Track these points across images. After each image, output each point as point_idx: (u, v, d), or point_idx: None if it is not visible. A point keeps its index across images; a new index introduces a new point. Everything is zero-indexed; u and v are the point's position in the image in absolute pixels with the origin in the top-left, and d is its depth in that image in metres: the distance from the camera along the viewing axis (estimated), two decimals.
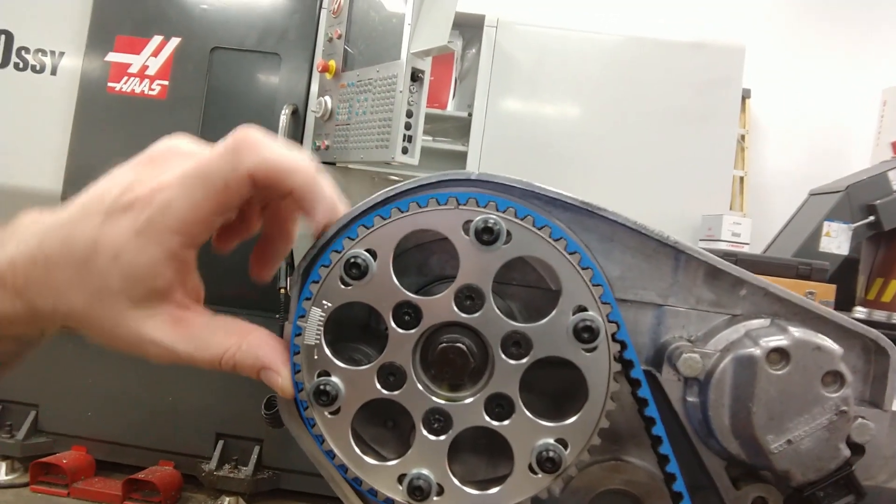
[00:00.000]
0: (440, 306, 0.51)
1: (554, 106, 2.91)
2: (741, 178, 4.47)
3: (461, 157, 2.77)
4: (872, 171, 3.34)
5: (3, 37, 2.74)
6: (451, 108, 2.94)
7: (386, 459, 0.53)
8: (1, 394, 2.76)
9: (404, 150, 2.42)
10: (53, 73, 2.79)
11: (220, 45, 2.76)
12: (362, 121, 2.55)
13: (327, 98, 2.63)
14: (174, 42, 2.79)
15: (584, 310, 0.50)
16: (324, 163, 2.70)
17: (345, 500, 0.55)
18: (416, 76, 2.42)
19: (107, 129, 2.78)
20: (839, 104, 4.64)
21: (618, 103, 2.95)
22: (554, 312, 0.51)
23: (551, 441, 0.51)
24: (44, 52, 2.77)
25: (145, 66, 2.77)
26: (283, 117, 2.67)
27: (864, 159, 4.25)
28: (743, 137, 4.48)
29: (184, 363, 0.56)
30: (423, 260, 0.59)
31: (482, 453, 0.61)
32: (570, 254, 0.50)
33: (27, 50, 2.77)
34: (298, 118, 2.74)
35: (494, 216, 0.50)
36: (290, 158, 0.55)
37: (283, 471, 3.02)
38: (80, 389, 2.86)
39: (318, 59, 2.70)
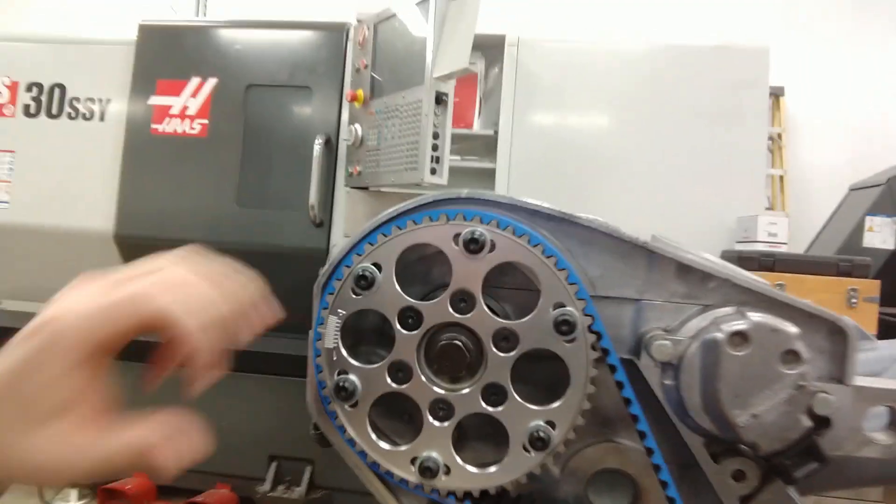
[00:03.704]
0: (438, 309, 0.59)
1: (580, 118, 2.98)
2: (780, 177, 4.43)
3: (489, 174, 2.86)
4: None
5: (57, 90, 2.94)
6: (477, 127, 3.04)
7: (401, 447, 0.61)
8: None
9: (433, 171, 2.52)
10: (102, 119, 2.98)
11: (255, 83, 2.92)
12: (391, 145, 2.66)
13: (357, 126, 2.76)
14: (211, 82, 2.95)
15: (563, 306, 0.58)
16: (356, 188, 2.82)
17: (368, 483, 0.64)
18: (440, 99, 2.53)
19: (153, 169, 2.96)
20: (876, 97, 4.57)
21: (645, 111, 3.00)
22: (536, 309, 0.59)
23: (541, 423, 0.58)
24: (93, 101, 2.97)
25: (185, 106, 2.94)
26: (317, 147, 2.80)
27: None
28: (779, 136, 4.45)
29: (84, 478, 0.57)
30: (427, 270, 0.68)
31: (489, 441, 0.69)
32: (547, 257, 0.58)
33: (78, 100, 2.98)
34: (331, 147, 2.87)
35: (480, 228, 0.58)
36: (180, 317, 0.56)
37: (335, 490, 3.12)
38: (141, 412, 3.01)
39: (347, 90, 2.83)
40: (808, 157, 4.64)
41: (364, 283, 0.60)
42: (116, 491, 2.77)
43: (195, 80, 2.87)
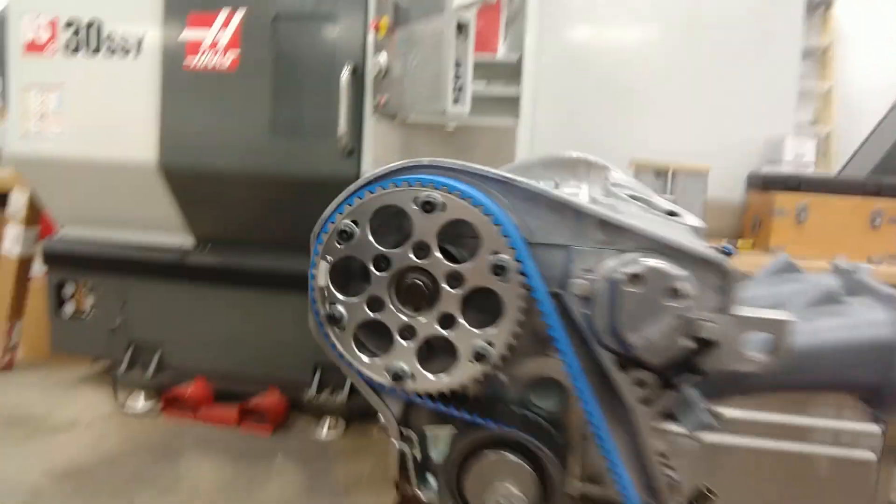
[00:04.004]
0: (403, 256, 0.78)
1: (607, 40, 3.01)
2: (827, 91, 4.36)
3: (514, 101, 2.95)
4: None
5: (94, 26, 3.13)
6: (502, 53, 3.11)
7: (377, 359, 0.82)
8: (134, 337, 3.29)
9: (455, 101, 2.65)
10: (138, 53, 3.14)
11: (281, 13, 3.03)
12: (414, 75, 2.78)
13: (382, 55, 2.87)
14: (241, 13, 3.06)
15: (497, 253, 0.75)
16: (384, 118, 2.96)
17: (359, 386, 0.85)
18: (461, 28, 2.62)
19: (190, 101, 3.14)
20: None
21: (675, 28, 3.01)
22: (477, 256, 0.77)
23: (483, 343, 0.77)
24: (128, 36, 3.14)
25: (216, 40, 3.08)
26: (344, 76, 2.93)
27: None
28: (827, 49, 4.34)
29: None
30: (400, 223, 0.87)
31: (449, 356, 0.88)
32: (486, 215, 0.75)
33: (114, 36, 3.15)
34: (358, 76, 3.00)
35: (434, 193, 0.76)
36: None
37: None
38: (197, 329, 3.32)
39: (371, 18, 2.91)
40: (857, 71, 4.53)
41: (345, 235, 0.79)
42: (178, 395, 3.14)
43: (225, 11, 2.99)
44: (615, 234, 0.71)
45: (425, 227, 0.70)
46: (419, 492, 0.69)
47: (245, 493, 2.59)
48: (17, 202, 3.49)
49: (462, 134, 3.11)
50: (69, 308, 3.31)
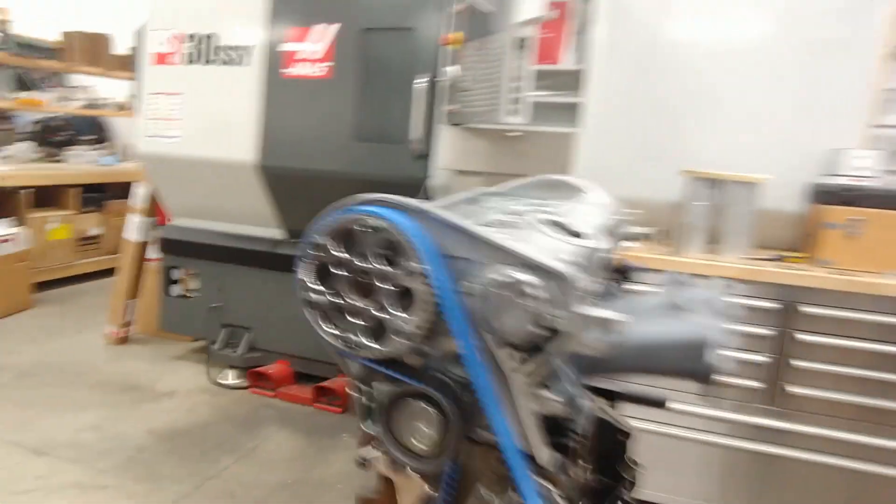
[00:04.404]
0: (352, 261, 1.01)
1: (675, 45, 3.07)
2: None
3: (576, 109, 3.09)
4: None
5: (210, 38, 3.61)
6: (568, 62, 3.28)
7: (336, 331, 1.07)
8: (227, 321, 3.75)
9: (512, 112, 2.86)
10: (244, 63, 3.59)
11: (370, 26, 3.35)
12: (480, 86, 3.02)
13: (453, 67, 3.13)
14: (335, 27, 3.43)
15: (411, 262, 0.97)
16: (453, 125, 3.21)
17: (329, 351, 1.09)
18: (521, 43, 2.82)
19: (287, 108, 3.55)
20: None
21: (744, 38, 3.06)
22: (399, 264, 0.99)
23: (402, 323, 0.98)
24: (238, 48, 3.59)
25: (313, 50, 3.46)
26: (419, 86, 3.20)
27: None
28: None
29: None
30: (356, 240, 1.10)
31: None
32: (405, 236, 0.97)
33: (225, 47, 3.62)
34: (432, 86, 3.25)
35: (372, 220, 0.98)
36: None
37: None
38: (283, 315, 3.73)
39: (446, 33, 3.17)
40: None
41: (318, 246, 1.03)
42: (263, 373, 3.57)
43: (321, 26, 3.37)
44: (494, 251, 0.89)
45: (368, 243, 0.93)
46: (364, 427, 0.93)
47: (313, 463, 2.96)
48: (140, 194, 4.07)
49: (524, 140, 3.33)
50: (176, 290, 3.82)
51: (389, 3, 3.28)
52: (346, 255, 0.85)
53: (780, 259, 2.51)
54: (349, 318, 0.89)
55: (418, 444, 0.87)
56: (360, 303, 0.84)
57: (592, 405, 1.13)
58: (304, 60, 3.43)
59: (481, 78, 3.04)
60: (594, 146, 2.98)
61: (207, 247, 3.78)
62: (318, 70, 3.41)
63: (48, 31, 5.86)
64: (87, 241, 5.49)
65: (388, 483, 1.05)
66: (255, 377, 3.68)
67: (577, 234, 1.07)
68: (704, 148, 2.85)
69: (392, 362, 0.87)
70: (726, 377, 0.72)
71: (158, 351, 4.15)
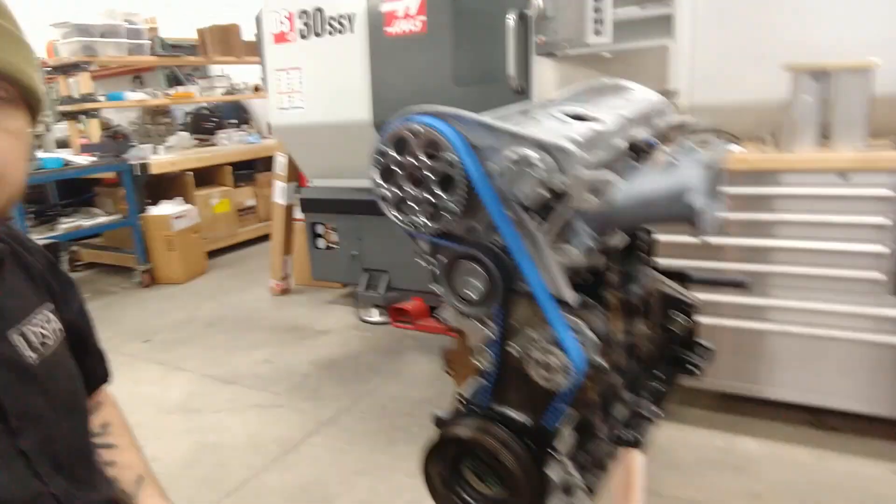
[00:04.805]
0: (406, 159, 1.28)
1: None
2: None
3: (666, 21, 3.08)
4: None
5: (319, 13, 3.96)
6: None
7: None
8: (367, 266, 4.16)
9: (596, 32, 2.97)
10: (351, 31, 3.91)
11: None
12: (563, 13, 3.13)
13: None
14: None
15: (447, 152, 1.20)
16: (545, 55, 3.35)
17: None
18: None
19: (392, 66, 3.84)
20: None
21: None
22: (438, 156, 1.24)
23: (445, 202, 1.25)
24: (342, 17, 3.92)
25: (407, 7, 3.72)
26: (510, 22, 3.37)
27: None
28: None
29: None
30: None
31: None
32: (441, 135, 1.20)
33: (333, 17, 3.96)
34: (525, 20, 3.40)
35: (416, 126, 1.23)
36: None
37: None
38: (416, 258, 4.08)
39: None
40: None
41: (382, 152, 1.29)
42: (402, 309, 3.98)
43: None
44: (508, 137, 1.09)
45: (415, 144, 1.18)
46: (434, 288, 1.17)
47: (450, 383, 3.31)
48: (281, 163, 4.59)
49: (618, 60, 3.38)
50: (321, 243, 4.31)
51: None
52: (400, 157, 1.09)
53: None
54: (411, 205, 1.13)
55: (471, 294, 1.12)
56: (415, 192, 1.08)
57: (649, 278, 1.30)
58: (400, 18, 3.69)
59: (564, 4, 3.14)
60: (690, 56, 2.98)
61: (342, 202, 4.17)
62: (413, 25, 3.65)
63: (186, 30, 6.49)
64: (245, 212, 6.16)
65: (461, 336, 1.33)
66: (396, 313, 4.10)
67: (593, 120, 1.26)
68: (808, 38, 2.73)
69: (448, 235, 1.10)
70: (709, 217, 0.87)
71: (314, 297, 4.70)
